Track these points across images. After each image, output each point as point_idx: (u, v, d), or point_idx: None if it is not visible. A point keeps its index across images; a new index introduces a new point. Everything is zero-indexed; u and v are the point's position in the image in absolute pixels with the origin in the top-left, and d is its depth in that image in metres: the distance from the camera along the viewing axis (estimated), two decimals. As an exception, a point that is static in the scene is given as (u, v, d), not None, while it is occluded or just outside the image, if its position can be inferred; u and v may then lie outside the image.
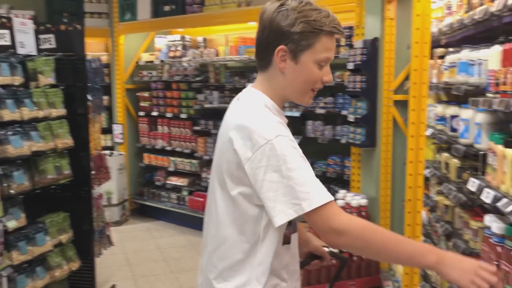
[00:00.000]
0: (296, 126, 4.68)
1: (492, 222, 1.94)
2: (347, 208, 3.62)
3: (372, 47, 3.60)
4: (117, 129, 5.97)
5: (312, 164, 4.67)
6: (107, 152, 5.66)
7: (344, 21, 4.22)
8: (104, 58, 6.15)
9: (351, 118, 3.84)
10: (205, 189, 5.51)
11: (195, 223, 5.51)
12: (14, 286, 2.93)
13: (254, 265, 1.37)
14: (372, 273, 3.64)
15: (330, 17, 1.34)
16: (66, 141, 3.36)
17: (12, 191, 2.93)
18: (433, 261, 1.23)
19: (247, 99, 1.42)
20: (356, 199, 3.61)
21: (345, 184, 4.30)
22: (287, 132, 1.32)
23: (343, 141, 4.07)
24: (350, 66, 3.76)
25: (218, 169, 1.41)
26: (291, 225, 1.44)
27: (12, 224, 2.87)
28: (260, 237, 1.36)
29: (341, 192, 3.78)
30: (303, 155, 1.28)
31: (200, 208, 5.43)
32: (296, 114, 4.51)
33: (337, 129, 4.36)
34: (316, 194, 1.23)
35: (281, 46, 1.34)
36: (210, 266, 1.45)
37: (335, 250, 1.72)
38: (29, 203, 3.17)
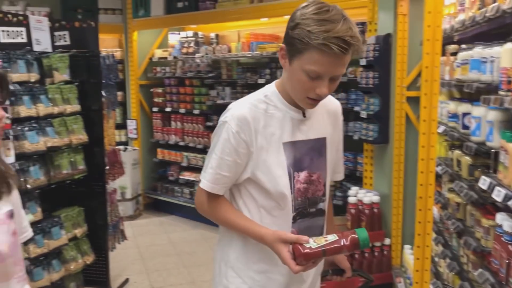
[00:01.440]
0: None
1: (504, 221, 1.93)
2: (359, 205, 3.63)
3: (385, 43, 3.58)
4: (131, 124, 6.03)
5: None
6: (121, 147, 5.72)
7: (356, 17, 4.22)
8: (118, 54, 6.21)
9: (363, 114, 3.83)
10: (218, 184, 5.54)
11: (207, 218, 5.53)
12: (31, 278, 3.00)
13: None
14: (384, 269, 3.64)
15: (330, 33, 1.29)
16: (80, 136, 3.41)
17: (28, 186, 3.00)
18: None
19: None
20: (368, 196, 3.61)
21: (357, 180, 4.29)
22: (239, 125, 1.45)
23: (356, 137, 4.06)
24: (363, 62, 3.74)
25: None
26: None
27: (28, 218, 2.92)
28: None
29: (353, 189, 3.78)
30: (231, 146, 1.46)
31: (212, 203, 5.47)
32: (309, 110, 4.51)
33: (349, 125, 4.35)
34: (209, 179, 1.51)
35: (283, 45, 1.42)
36: None
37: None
38: (45, 198, 3.24)
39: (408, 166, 3.71)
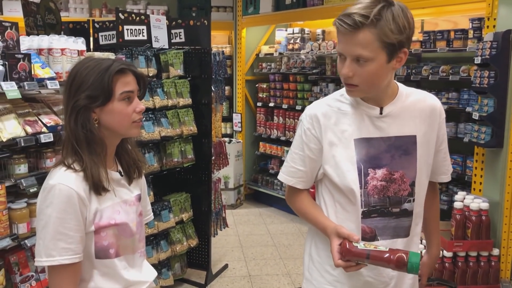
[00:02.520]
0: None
1: None
2: (466, 211, 3.43)
3: (504, 40, 3.33)
4: (237, 118, 6.28)
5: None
6: (227, 139, 5.98)
7: (473, 12, 3.97)
8: (227, 50, 6.48)
9: (475, 115, 3.61)
10: (317, 180, 5.56)
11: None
12: (142, 255, 3.29)
13: None
14: (490, 281, 3.42)
15: (342, 12, 1.38)
16: (191, 128, 3.65)
17: (143, 171, 3.28)
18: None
19: None
20: (476, 202, 3.40)
21: (465, 185, 4.06)
22: (309, 122, 1.56)
23: (466, 139, 3.84)
24: (478, 60, 3.52)
25: None
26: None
27: (142, 200, 3.22)
28: None
29: (460, 194, 3.58)
30: (303, 142, 1.57)
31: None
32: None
33: (459, 126, 4.12)
34: (283, 171, 1.66)
35: None
36: None
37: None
38: (156, 183, 3.52)
39: (524, 173, 3.42)
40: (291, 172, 1.62)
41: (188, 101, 3.67)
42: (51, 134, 2.38)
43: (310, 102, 5.70)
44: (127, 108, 1.38)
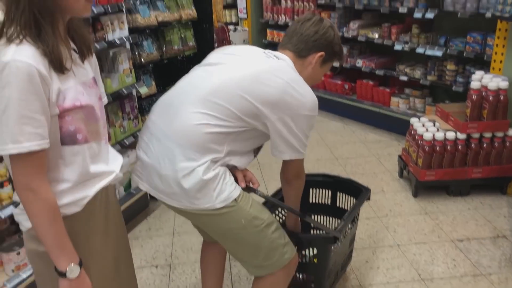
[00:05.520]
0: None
1: None
2: (483, 91, 3.26)
3: None
4: (241, 3, 5.90)
5: (448, 42, 4.21)
6: (232, 27, 5.69)
7: None
8: None
9: (501, -14, 3.27)
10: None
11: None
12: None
13: None
14: (504, 161, 3.35)
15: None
16: (190, 12, 3.40)
17: (142, 60, 3.12)
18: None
19: (290, 67, 1.79)
20: (495, 81, 3.22)
21: (484, 65, 3.84)
22: None
23: (488, 14, 3.54)
24: None
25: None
26: None
27: (143, 90, 3.09)
28: None
29: (478, 73, 3.38)
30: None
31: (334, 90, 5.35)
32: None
33: (482, 0, 3.78)
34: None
35: (322, 53, 1.82)
36: None
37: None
38: (157, 73, 3.37)
39: (550, 48, 3.18)
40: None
41: (185, -18, 3.38)
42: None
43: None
44: None
